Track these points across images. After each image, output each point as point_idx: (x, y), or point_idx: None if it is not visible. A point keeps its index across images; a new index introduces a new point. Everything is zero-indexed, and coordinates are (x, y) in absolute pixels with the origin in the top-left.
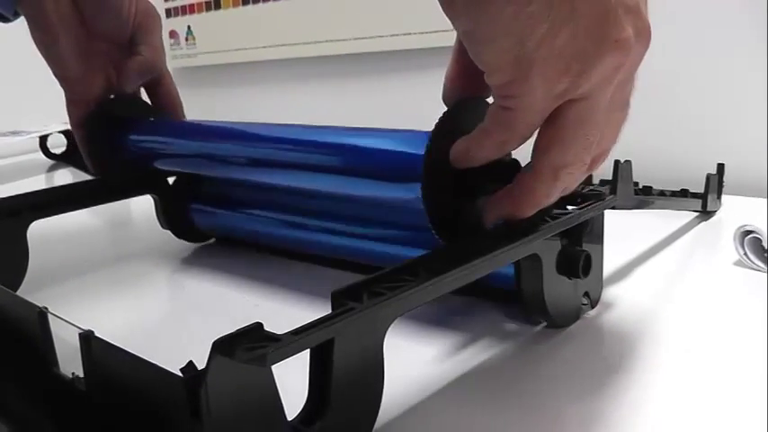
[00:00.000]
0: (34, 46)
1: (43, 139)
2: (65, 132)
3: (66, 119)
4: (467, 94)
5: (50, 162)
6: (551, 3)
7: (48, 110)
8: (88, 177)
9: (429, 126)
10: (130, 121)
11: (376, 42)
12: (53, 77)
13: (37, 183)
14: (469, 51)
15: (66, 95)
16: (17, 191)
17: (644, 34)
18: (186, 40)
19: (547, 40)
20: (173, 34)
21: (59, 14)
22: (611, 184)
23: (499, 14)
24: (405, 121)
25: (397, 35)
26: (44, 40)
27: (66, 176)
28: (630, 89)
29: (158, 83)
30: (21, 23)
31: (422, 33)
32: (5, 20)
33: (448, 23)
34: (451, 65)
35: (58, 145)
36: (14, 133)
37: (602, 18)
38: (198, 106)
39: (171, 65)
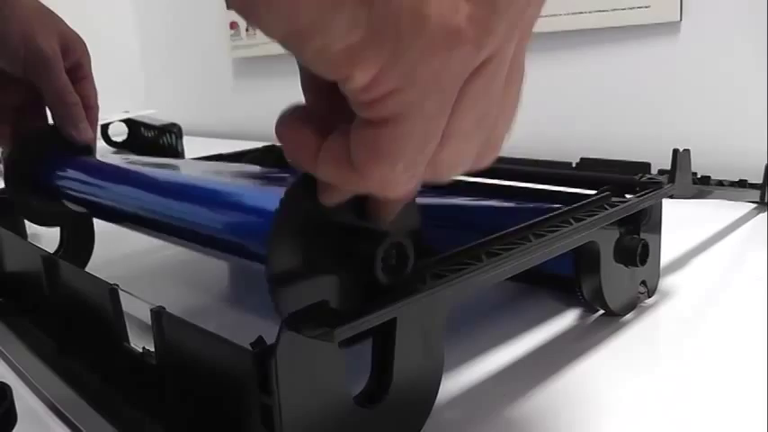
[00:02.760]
0: (93, 39)
1: (105, 128)
2: (126, 121)
3: (126, 108)
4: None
5: (112, 150)
6: None
7: (109, 100)
8: None
9: None
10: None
11: None
12: (114, 69)
13: None
14: (306, 60)
15: None
16: None
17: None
18: (246, 31)
19: None
20: (233, 25)
21: None
22: (670, 173)
23: None
24: None
25: None
26: None
27: None
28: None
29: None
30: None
31: None
32: None
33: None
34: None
35: (119, 133)
36: None
37: None
38: (257, 97)
39: (231, 56)
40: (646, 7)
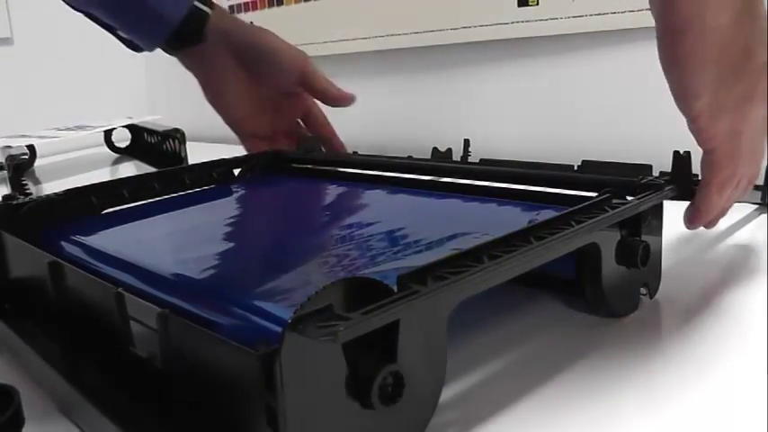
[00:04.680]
0: (97, 46)
1: (108, 134)
2: (128, 127)
3: (130, 114)
4: None
5: (115, 156)
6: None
7: (112, 106)
8: (152, 170)
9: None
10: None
11: (441, 36)
12: (117, 76)
13: (102, 175)
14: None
15: (238, 136)
16: (85, 183)
17: None
18: None
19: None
20: None
21: (222, 67)
22: (671, 175)
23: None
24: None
25: (470, 27)
26: (210, 89)
27: (130, 169)
28: None
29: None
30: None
31: (491, 25)
32: (138, 49)
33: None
34: None
35: (122, 139)
36: (80, 128)
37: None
38: None
39: None
40: (648, 10)
